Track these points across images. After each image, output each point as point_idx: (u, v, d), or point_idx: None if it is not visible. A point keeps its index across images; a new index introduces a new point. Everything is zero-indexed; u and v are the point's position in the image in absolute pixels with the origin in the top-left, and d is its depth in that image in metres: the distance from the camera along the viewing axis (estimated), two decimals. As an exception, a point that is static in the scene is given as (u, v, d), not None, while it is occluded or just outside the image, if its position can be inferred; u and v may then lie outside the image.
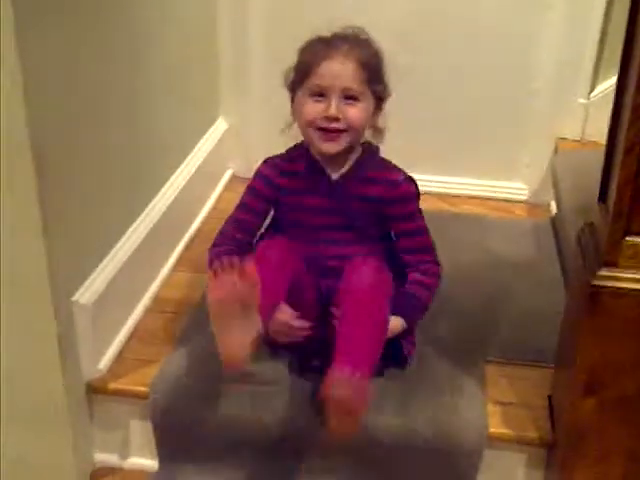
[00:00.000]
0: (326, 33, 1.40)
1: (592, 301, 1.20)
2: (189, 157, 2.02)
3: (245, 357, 1.23)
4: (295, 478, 1.45)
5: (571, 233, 1.40)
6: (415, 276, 1.46)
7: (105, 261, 1.54)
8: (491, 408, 1.44)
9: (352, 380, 1.23)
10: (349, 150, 1.42)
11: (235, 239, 1.49)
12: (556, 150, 2.17)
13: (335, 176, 1.44)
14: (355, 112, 1.36)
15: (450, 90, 2.16)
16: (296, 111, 1.42)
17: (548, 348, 1.49)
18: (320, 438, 1.40)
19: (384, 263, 1.41)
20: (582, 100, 2.15)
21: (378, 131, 1.45)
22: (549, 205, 2.18)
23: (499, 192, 2.25)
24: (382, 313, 1.35)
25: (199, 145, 2.10)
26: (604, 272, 1.20)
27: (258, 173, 1.50)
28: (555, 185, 2.07)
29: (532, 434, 1.41)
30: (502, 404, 1.46)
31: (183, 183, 1.93)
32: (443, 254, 1.88)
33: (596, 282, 1.20)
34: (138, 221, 1.70)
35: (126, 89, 1.61)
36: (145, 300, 1.72)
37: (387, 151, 2.20)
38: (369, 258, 1.39)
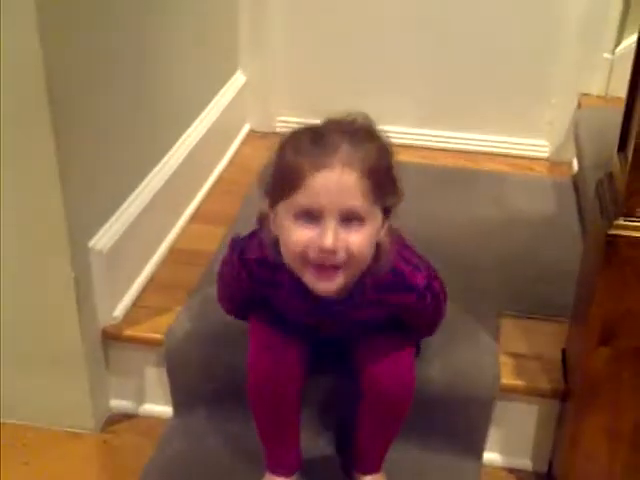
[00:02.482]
0: (318, 121, 1.08)
1: (608, 250, 1.19)
2: (207, 110, 2.01)
3: None
4: (307, 423, 1.46)
5: (592, 188, 1.38)
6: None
7: (122, 209, 1.55)
8: (504, 359, 1.44)
9: None
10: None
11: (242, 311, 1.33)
12: (579, 106, 2.14)
13: (329, 299, 1.14)
14: (358, 239, 1.05)
15: (472, 45, 2.13)
16: (278, 230, 1.09)
17: (565, 303, 1.47)
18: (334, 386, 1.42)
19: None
20: (607, 55, 2.10)
21: (381, 249, 1.12)
22: (571, 163, 2.15)
23: (520, 149, 2.22)
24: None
25: (217, 98, 2.09)
26: (621, 221, 1.18)
27: (233, 275, 1.22)
28: (577, 142, 2.03)
29: (545, 385, 1.40)
30: (515, 356, 1.45)
31: (200, 135, 1.92)
32: (461, 209, 1.90)
33: (613, 231, 1.18)
34: (156, 170, 1.70)
35: (145, 39, 1.60)
36: (161, 250, 1.72)
37: (409, 105, 2.20)
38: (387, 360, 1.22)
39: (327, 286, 1.08)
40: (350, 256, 1.05)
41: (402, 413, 1.28)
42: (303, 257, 1.06)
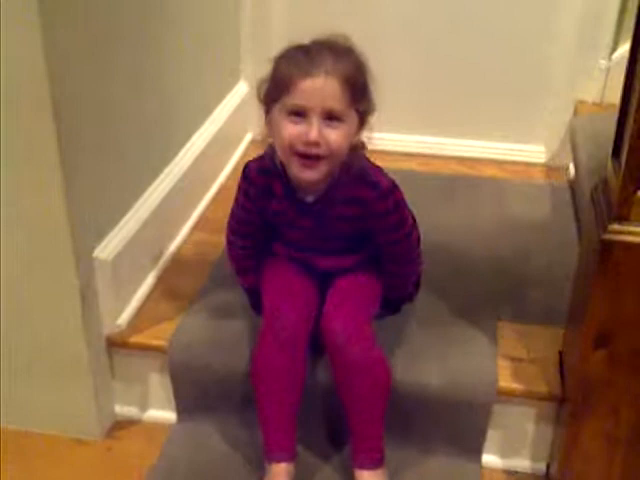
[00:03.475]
0: (305, 41, 1.29)
1: (603, 255, 1.21)
2: (210, 119, 2.04)
3: None
4: (308, 430, 1.48)
5: (587, 193, 1.40)
6: (395, 282, 1.49)
7: (126, 218, 1.57)
8: (502, 363, 1.46)
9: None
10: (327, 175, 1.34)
11: (249, 246, 1.49)
12: (576, 113, 2.16)
13: (310, 199, 1.38)
14: (337, 136, 1.26)
15: (469, 52, 2.15)
16: (273, 129, 1.31)
17: (561, 307, 1.49)
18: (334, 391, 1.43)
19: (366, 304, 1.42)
20: (603, 62, 2.12)
21: (359, 148, 1.35)
22: (568, 168, 2.17)
23: (517, 155, 2.25)
24: (384, 378, 1.36)
25: (220, 108, 2.11)
26: (615, 226, 1.20)
27: (244, 190, 1.43)
28: (574, 148, 2.06)
29: (542, 389, 1.42)
30: (513, 359, 1.47)
31: (204, 144, 1.95)
32: (459, 215, 1.92)
33: (607, 236, 1.20)
34: (159, 180, 1.72)
35: (149, 49, 1.62)
36: (165, 258, 1.75)
37: (407, 113, 2.22)
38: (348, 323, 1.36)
39: (310, 175, 1.30)
40: (330, 150, 1.27)
41: (376, 382, 1.35)
42: (291, 149, 1.27)
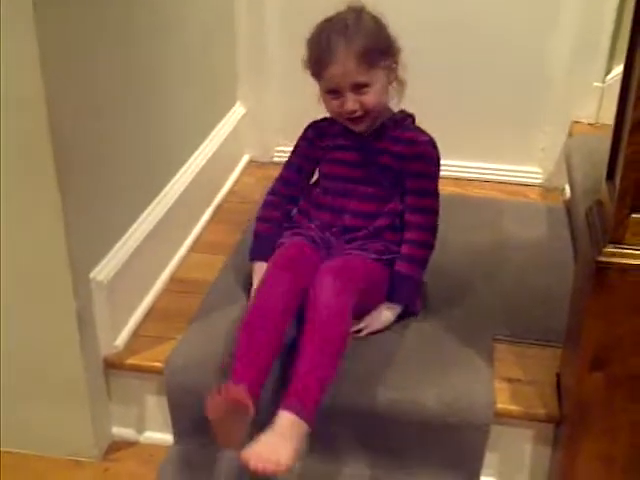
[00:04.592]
0: (325, 16, 1.52)
1: (598, 277, 1.21)
2: (207, 141, 2.05)
3: (241, 439, 1.31)
4: (305, 454, 1.47)
5: (583, 215, 1.41)
6: (407, 249, 1.58)
7: (123, 240, 1.58)
8: (499, 385, 1.46)
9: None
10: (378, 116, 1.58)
11: (283, 195, 1.69)
12: (571, 134, 2.17)
13: (366, 133, 1.59)
14: (369, 98, 1.51)
15: (465, 73, 2.17)
16: (322, 97, 1.57)
17: (558, 328, 1.50)
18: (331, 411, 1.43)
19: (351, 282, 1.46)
20: (597, 84, 2.15)
21: (401, 84, 1.58)
22: (564, 189, 2.19)
23: (514, 176, 2.26)
24: (339, 340, 1.38)
25: (216, 129, 2.13)
26: (610, 249, 1.21)
27: (304, 136, 1.69)
28: (569, 168, 2.07)
29: (540, 410, 1.42)
30: (510, 381, 1.47)
31: (201, 166, 1.96)
32: (456, 236, 1.93)
33: (602, 258, 1.21)
34: (156, 201, 1.73)
35: (146, 72, 1.64)
36: (162, 279, 1.75)
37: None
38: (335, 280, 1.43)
39: (359, 127, 1.57)
40: (366, 109, 1.52)
41: (333, 339, 1.37)
42: (337, 117, 1.57)
